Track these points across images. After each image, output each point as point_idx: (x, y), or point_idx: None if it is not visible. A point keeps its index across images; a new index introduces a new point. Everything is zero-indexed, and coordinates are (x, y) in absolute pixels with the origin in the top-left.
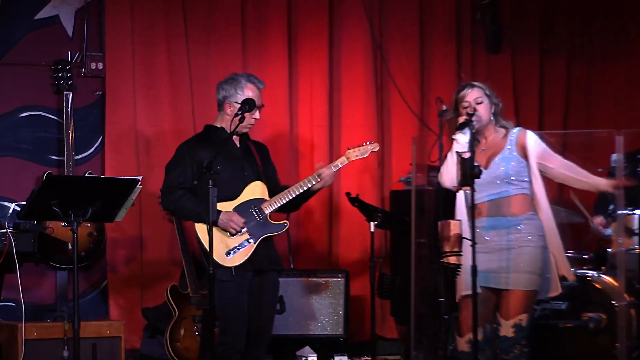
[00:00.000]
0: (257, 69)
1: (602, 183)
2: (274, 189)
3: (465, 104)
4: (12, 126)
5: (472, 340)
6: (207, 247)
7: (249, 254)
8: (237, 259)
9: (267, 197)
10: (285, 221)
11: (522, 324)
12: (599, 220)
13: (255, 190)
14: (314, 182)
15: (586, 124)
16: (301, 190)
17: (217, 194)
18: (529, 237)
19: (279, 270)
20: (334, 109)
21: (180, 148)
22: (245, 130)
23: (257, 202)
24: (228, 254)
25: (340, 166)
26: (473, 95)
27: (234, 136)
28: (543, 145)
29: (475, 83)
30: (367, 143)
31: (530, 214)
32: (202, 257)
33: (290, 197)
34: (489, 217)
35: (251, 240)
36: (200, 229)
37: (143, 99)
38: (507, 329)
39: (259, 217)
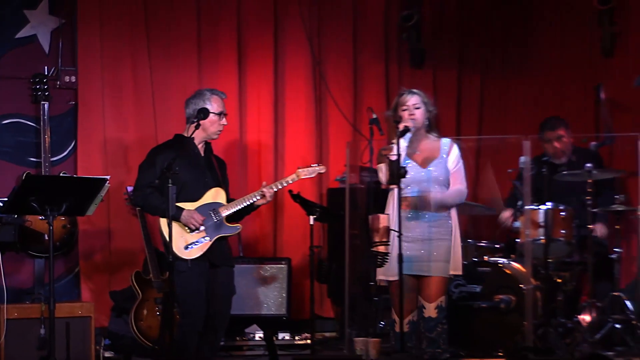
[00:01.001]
0: (210, 81)
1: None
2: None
3: (404, 108)
4: None
5: (411, 321)
6: (168, 238)
7: (205, 250)
8: (194, 253)
9: (225, 202)
10: (239, 224)
11: (442, 305)
12: (507, 214)
13: (215, 195)
14: (258, 197)
15: (498, 131)
16: (250, 202)
17: (181, 195)
18: (446, 232)
19: (231, 265)
20: (278, 116)
21: (151, 152)
22: (215, 137)
23: (216, 206)
24: (186, 247)
25: (290, 182)
26: (412, 100)
27: (200, 145)
28: (461, 163)
29: (414, 90)
30: (316, 165)
31: (447, 213)
32: (164, 248)
33: (244, 205)
34: (417, 210)
35: (207, 238)
36: (164, 223)
37: (111, 108)
38: (431, 310)
39: (216, 218)
